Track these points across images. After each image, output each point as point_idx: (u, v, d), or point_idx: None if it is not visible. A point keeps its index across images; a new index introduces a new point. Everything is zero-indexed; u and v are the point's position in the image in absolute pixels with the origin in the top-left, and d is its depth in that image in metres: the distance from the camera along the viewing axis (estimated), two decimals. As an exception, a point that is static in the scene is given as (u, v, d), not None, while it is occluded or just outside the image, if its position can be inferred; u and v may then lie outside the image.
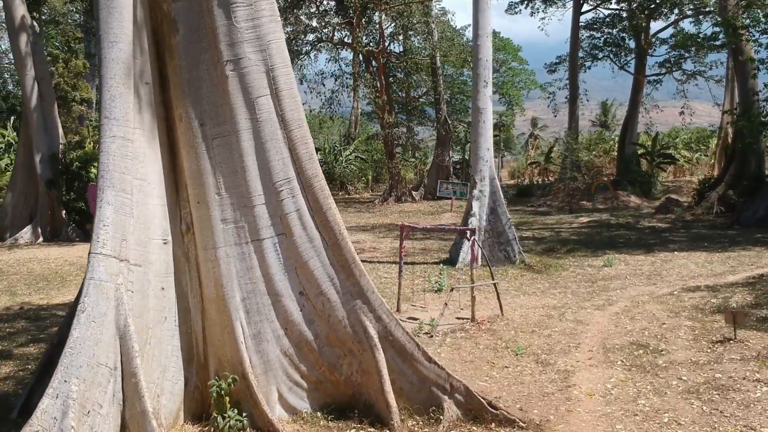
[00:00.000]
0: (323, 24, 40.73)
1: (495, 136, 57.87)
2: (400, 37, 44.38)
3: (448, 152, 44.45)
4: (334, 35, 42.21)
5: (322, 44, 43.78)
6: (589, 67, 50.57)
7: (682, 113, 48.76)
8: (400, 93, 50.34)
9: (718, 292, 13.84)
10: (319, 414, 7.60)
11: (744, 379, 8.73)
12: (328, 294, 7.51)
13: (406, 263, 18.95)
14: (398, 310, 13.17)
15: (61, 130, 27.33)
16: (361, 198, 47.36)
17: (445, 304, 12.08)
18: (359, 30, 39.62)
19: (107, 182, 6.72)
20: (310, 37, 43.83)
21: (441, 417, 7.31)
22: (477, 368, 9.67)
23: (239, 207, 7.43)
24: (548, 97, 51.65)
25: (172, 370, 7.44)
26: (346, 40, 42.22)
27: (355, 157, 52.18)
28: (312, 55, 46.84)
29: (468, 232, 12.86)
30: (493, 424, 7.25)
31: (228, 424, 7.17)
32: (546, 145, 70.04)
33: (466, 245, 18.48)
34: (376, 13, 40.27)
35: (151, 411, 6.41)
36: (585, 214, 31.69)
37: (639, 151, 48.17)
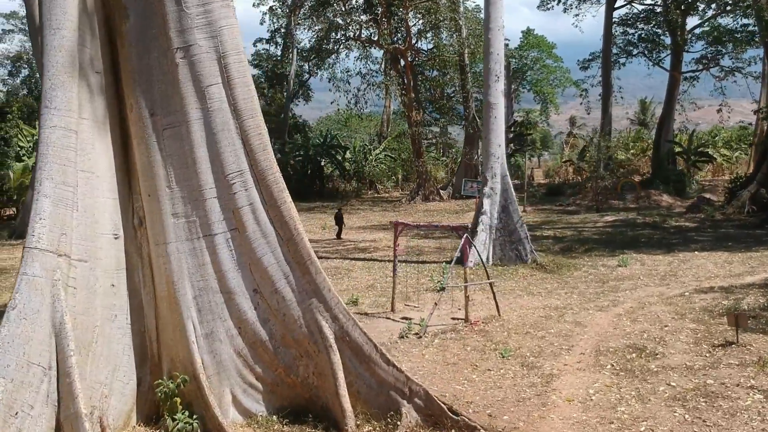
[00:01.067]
0: (349, 21, 40.45)
1: (528, 134, 57.11)
2: (429, 34, 43.87)
3: (476, 150, 43.72)
4: (360, 33, 41.95)
5: (349, 42, 43.59)
6: (624, 64, 49.48)
7: (719, 111, 47.41)
8: (432, 91, 49.74)
9: (732, 293, 13.17)
10: (274, 417, 7.26)
11: (737, 385, 8.15)
12: (282, 292, 7.17)
13: (418, 262, 18.60)
14: (393, 309, 12.79)
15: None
16: (390, 197, 47.02)
17: (435, 304, 11.66)
18: (385, 27, 39.26)
19: (45, 174, 6.47)
20: (338, 35, 43.72)
21: (399, 423, 6.90)
22: (458, 371, 9.23)
23: (190, 200, 7.13)
24: (580, 95, 50.60)
25: (123, 369, 7.17)
26: (373, 37, 41.90)
27: (385, 155, 51.81)
28: (343, 53, 46.76)
29: (461, 230, 12.37)
30: (453, 431, 6.83)
31: (177, 426, 6.88)
32: (584, 143, 68.92)
33: (477, 245, 17.99)
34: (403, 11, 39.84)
35: (84, 413, 6.13)
36: (612, 213, 30.86)
37: (676, 150, 46.93)
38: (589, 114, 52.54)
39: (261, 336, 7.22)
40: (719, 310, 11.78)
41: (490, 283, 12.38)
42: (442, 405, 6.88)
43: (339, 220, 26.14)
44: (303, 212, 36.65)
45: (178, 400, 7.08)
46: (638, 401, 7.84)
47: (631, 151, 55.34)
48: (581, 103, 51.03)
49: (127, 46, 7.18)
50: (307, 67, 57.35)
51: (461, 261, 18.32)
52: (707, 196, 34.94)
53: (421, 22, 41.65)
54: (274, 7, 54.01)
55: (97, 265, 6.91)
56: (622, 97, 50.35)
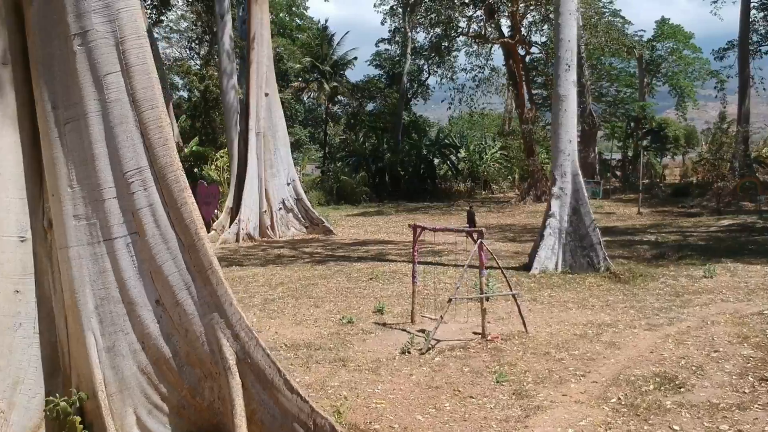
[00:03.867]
0: (457, 16, 39.27)
1: (657, 130, 53.44)
2: (545, 27, 41.82)
3: (593, 148, 41.24)
4: (470, 28, 40.66)
5: (462, 38, 42.48)
6: (766, 53, 45.13)
7: None
8: (548, 86, 47.47)
9: (821, 313, 11.11)
10: (180, 443, 6.50)
11: (757, 435, 6.56)
12: (184, 305, 6.37)
13: (487, 267, 17.29)
14: (412, 321, 11.75)
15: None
16: (504, 197, 45.26)
17: (441, 317, 10.50)
18: (494, 20, 37.79)
19: None
20: (452, 32, 42.69)
21: (301, 460, 5.94)
22: (434, 396, 8.08)
23: (90, 201, 6.47)
24: (715, 87, 46.65)
25: (28, 382, 6.63)
26: (482, 32, 40.48)
27: (501, 155, 50.00)
28: (463, 50, 45.69)
29: (475, 234, 11.11)
30: (360, 475, 5.79)
31: (70, 449, 6.27)
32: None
33: (544, 250, 16.52)
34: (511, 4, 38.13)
35: (-60, 432, 5.62)
36: (731, 216, 27.89)
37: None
38: (725, 107, 48.28)
39: (165, 353, 6.47)
40: (794, 333, 9.90)
41: (513, 295, 11.04)
42: (349, 443, 5.85)
43: (471, 219, 25.14)
44: (404, 212, 35.91)
45: (77, 419, 6.45)
46: (620, 448, 6.45)
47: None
48: (716, 96, 47.07)
49: (32, 35, 6.65)
50: (426, 66, 56.67)
51: (527, 267, 16.98)
52: None
53: (532, 14, 39.70)
54: (393, 7, 53.76)
55: (-4, 270, 6.42)
56: (764, 89, 45.99)
